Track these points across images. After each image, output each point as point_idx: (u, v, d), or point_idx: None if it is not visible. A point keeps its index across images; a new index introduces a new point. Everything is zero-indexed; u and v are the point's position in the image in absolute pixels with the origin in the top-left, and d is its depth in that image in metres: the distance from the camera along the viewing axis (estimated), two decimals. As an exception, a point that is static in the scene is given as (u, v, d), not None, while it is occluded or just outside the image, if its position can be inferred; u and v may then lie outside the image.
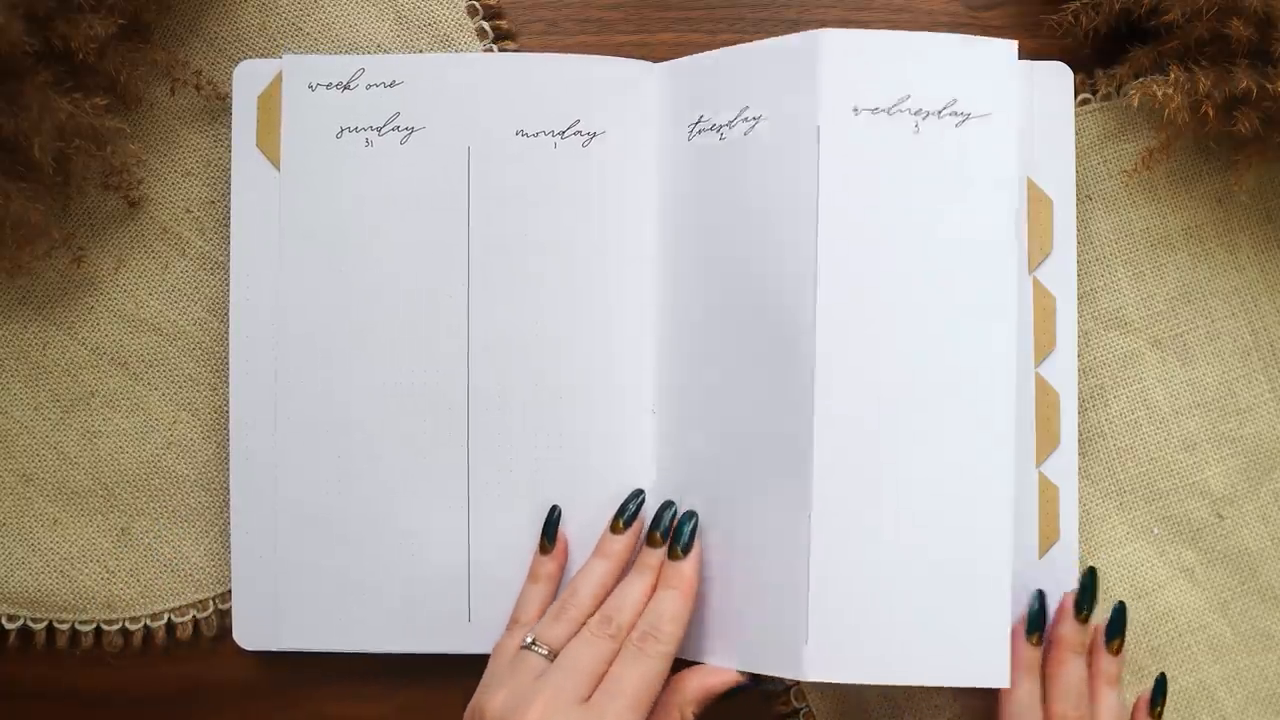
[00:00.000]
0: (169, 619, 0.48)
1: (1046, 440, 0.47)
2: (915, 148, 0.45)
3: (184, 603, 0.48)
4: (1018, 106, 0.45)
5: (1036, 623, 0.46)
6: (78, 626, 0.48)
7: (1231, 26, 0.43)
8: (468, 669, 0.45)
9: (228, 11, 0.49)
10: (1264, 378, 0.49)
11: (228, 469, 0.48)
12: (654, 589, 0.45)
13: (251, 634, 0.47)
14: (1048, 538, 0.47)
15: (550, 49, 0.50)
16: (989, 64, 0.45)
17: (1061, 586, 0.47)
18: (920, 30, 0.49)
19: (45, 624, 0.48)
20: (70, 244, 0.48)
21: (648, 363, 0.47)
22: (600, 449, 0.47)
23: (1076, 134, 0.48)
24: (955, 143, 0.44)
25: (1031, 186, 0.47)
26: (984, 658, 0.44)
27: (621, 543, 0.46)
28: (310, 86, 0.47)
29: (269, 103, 0.47)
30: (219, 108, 0.49)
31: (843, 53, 0.45)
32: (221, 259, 0.49)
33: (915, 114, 0.45)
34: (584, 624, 0.44)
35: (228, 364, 0.48)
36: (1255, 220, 0.49)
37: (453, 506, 0.47)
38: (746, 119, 0.46)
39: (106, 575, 0.48)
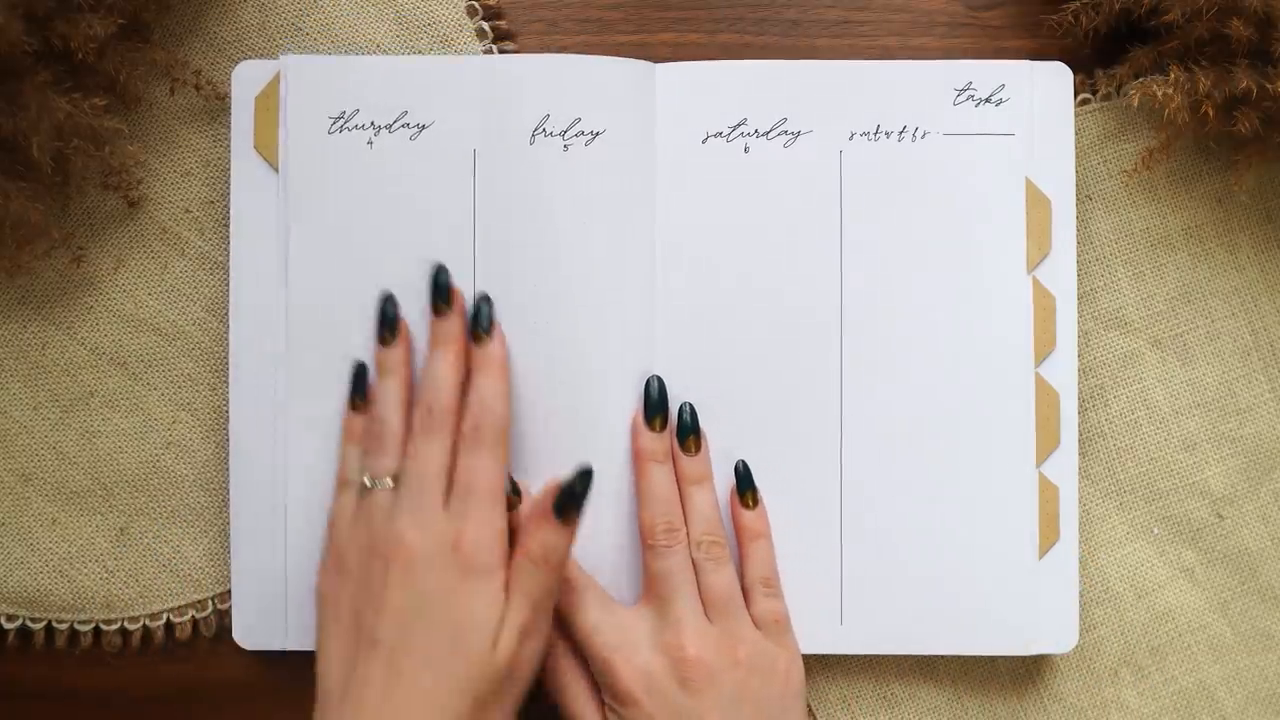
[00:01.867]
0: (168, 619, 0.48)
1: (1046, 440, 0.47)
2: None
3: (183, 603, 0.48)
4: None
5: (652, 411, 0.46)
6: (76, 626, 0.48)
7: (1231, 26, 0.43)
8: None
9: (227, 11, 0.49)
10: (1264, 378, 0.49)
11: (227, 469, 0.48)
12: (459, 362, 0.44)
13: (251, 634, 0.47)
14: (1048, 538, 0.47)
15: (550, 49, 0.50)
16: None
17: (1062, 587, 0.47)
18: (921, 29, 0.50)
19: (44, 624, 0.48)
20: (69, 244, 0.48)
21: (653, 363, 0.47)
22: (601, 447, 0.47)
23: (1076, 134, 0.48)
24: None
25: (1030, 186, 0.47)
26: (1012, 627, 0.46)
27: (396, 353, 0.45)
28: (309, 87, 0.47)
29: (266, 103, 0.47)
30: (218, 108, 0.49)
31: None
32: (221, 259, 0.49)
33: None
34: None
35: (227, 364, 0.48)
36: (1255, 220, 0.49)
37: (452, 506, 0.47)
38: (787, 132, 0.47)
39: (105, 575, 0.48)
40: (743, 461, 0.46)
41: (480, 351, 0.44)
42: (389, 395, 0.44)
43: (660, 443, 0.46)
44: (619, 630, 0.44)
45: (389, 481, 0.43)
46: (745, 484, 0.46)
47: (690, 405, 0.46)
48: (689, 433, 0.46)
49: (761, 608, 0.45)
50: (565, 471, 0.42)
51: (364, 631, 0.41)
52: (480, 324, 0.44)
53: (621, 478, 0.46)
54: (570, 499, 0.41)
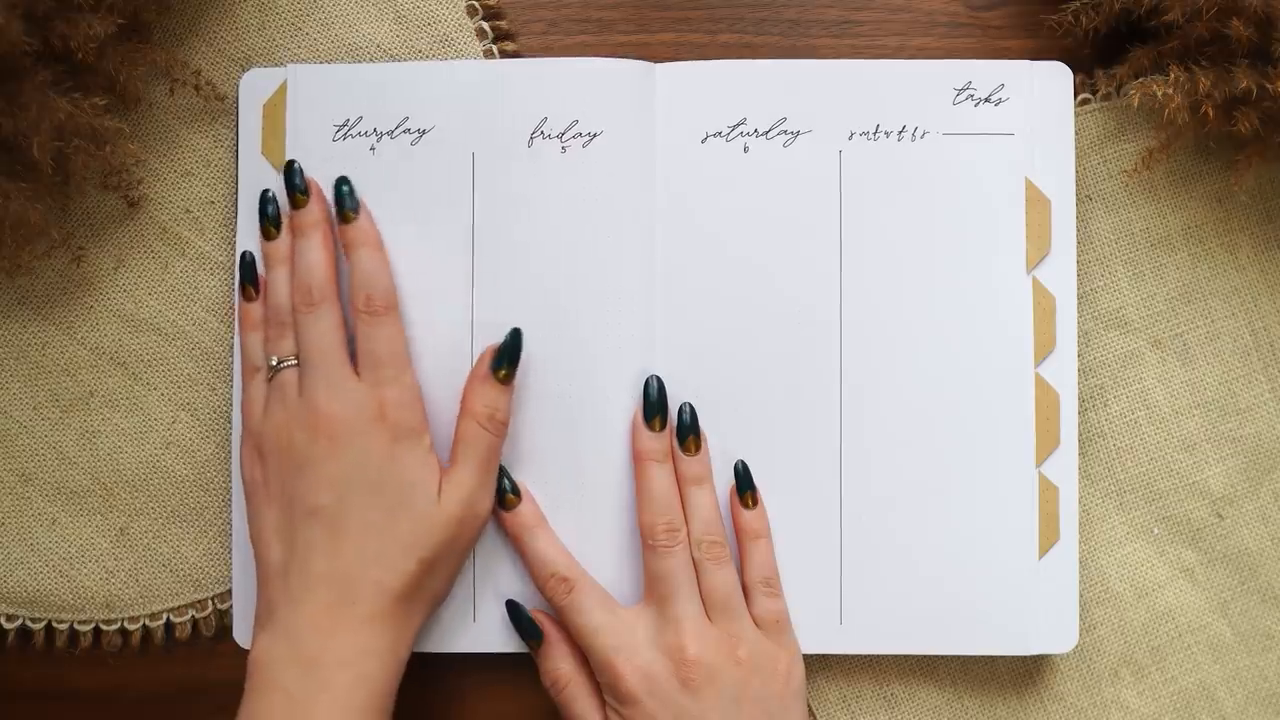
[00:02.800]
0: (168, 619, 0.48)
1: (1046, 440, 0.47)
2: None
3: (183, 602, 0.48)
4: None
5: (651, 411, 0.46)
6: (76, 626, 0.48)
7: (1231, 26, 0.43)
8: (472, 668, 0.45)
9: (227, 11, 0.49)
10: (1264, 378, 0.49)
11: (227, 469, 0.48)
12: (327, 242, 0.45)
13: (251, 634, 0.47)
14: (1047, 538, 0.47)
15: (550, 49, 0.50)
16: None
17: (1061, 587, 0.47)
18: (921, 29, 0.50)
19: (44, 624, 0.48)
20: (69, 244, 0.48)
21: (653, 363, 0.47)
22: (601, 447, 0.47)
23: (1076, 134, 0.48)
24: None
25: (1030, 186, 0.47)
26: (1012, 627, 0.46)
27: (283, 246, 0.46)
28: (314, 95, 0.47)
29: (274, 111, 0.47)
30: (218, 108, 0.49)
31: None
32: (221, 259, 0.49)
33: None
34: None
35: (227, 364, 0.48)
36: (1255, 220, 0.49)
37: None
38: (786, 132, 0.47)
39: (105, 575, 0.48)
40: (742, 462, 0.46)
41: (351, 229, 0.46)
42: (279, 282, 0.46)
43: (659, 442, 0.46)
44: (620, 631, 0.44)
45: (292, 360, 0.44)
46: (745, 484, 0.46)
47: (690, 405, 0.46)
48: (688, 433, 0.46)
49: (762, 607, 0.45)
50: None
51: (298, 503, 0.42)
52: (346, 203, 0.46)
53: (621, 477, 0.46)
54: (504, 355, 0.45)
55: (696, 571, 0.45)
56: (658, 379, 0.46)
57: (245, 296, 0.47)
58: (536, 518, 0.46)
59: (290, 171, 0.46)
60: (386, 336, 0.44)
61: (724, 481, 0.47)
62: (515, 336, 0.45)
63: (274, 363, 0.44)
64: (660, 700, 0.42)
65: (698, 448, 0.46)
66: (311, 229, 0.46)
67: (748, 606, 0.45)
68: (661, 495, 0.45)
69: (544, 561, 0.45)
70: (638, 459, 0.46)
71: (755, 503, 0.46)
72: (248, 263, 0.47)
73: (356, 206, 0.46)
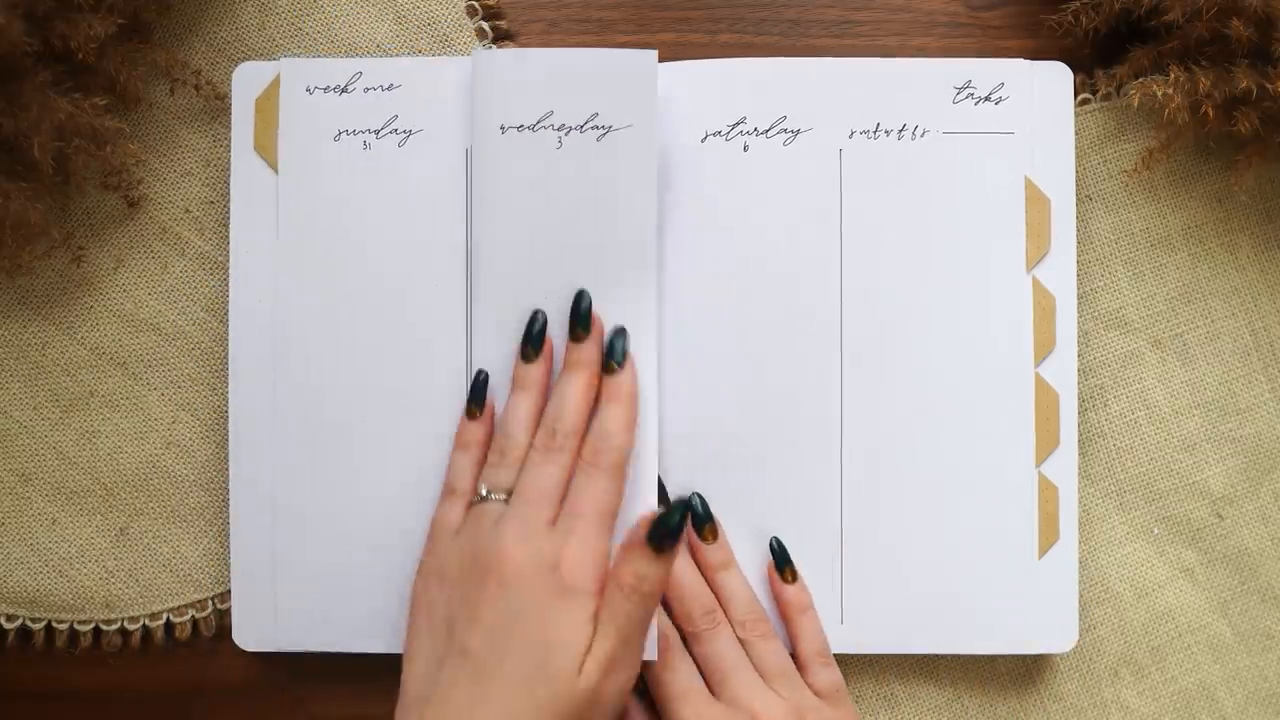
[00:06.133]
0: (168, 619, 0.48)
1: (1046, 440, 0.47)
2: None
3: (183, 602, 0.48)
4: (655, 115, 0.46)
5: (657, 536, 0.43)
6: (76, 626, 0.48)
7: (1231, 26, 0.43)
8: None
9: (227, 11, 0.49)
10: (1264, 378, 0.49)
11: (227, 469, 0.48)
12: (590, 388, 0.44)
13: (251, 634, 0.47)
14: (1047, 538, 0.47)
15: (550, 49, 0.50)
16: (629, 76, 0.46)
17: (1061, 587, 0.47)
18: (921, 29, 0.50)
19: (44, 624, 0.48)
20: (70, 244, 0.48)
21: (662, 358, 0.47)
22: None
23: (1076, 134, 0.48)
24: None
25: (1030, 186, 0.47)
26: (1012, 627, 0.46)
27: (538, 369, 0.45)
28: (308, 90, 0.47)
29: (266, 105, 0.47)
30: (218, 108, 0.49)
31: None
32: (221, 259, 0.49)
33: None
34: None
35: (227, 364, 0.48)
36: (1255, 220, 0.49)
37: (452, 506, 0.47)
38: (786, 131, 0.47)
39: (105, 575, 0.48)
40: (777, 539, 0.47)
41: (611, 381, 0.44)
42: (520, 411, 0.44)
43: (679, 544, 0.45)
44: (702, 704, 0.44)
45: (503, 496, 0.43)
46: (782, 560, 0.46)
47: (700, 496, 0.47)
48: (704, 522, 0.46)
49: (821, 679, 0.45)
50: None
51: (455, 639, 0.41)
52: (614, 355, 0.45)
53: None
54: (665, 529, 0.39)
55: (746, 650, 0.45)
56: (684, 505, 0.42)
57: (468, 414, 0.46)
58: (729, 554, 0.46)
59: (578, 303, 0.45)
60: (597, 492, 0.42)
61: (720, 501, 0.47)
62: (681, 510, 0.39)
63: (484, 493, 0.43)
64: None
65: (715, 534, 0.46)
66: (582, 368, 0.44)
67: (805, 679, 0.45)
68: (691, 583, 0.45)
69: (698, 595, 0.45)
70: None
71: (795, 577, 0.46)
72: (480, 382, 0.46)
73: (624, 360, 0.45)
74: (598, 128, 0.46)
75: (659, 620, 0.45)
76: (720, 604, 0.46)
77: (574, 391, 0.44)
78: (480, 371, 0.46)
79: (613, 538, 0.42)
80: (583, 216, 0.46)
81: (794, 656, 0.46)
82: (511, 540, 0.41)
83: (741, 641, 0.45)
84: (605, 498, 0.42)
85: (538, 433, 0.44)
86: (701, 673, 0.45)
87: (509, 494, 0.43)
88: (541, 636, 0.40)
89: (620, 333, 0.45)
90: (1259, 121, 0.45)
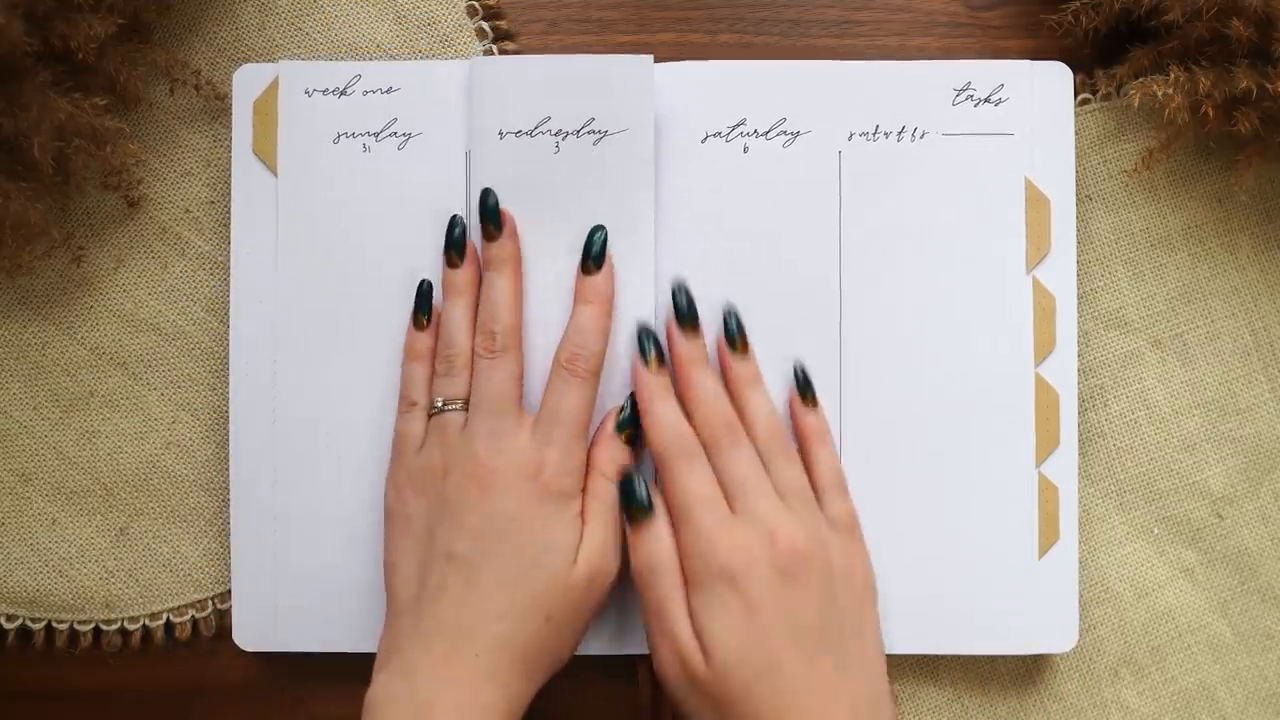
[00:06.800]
0: (168, 619, 0.48)
1: (1046, 440, 0.47)
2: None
3: (183, 602, 0.48)
4: (651, 120, 0.46)
5: (645, 349, 0.44)
6: (76, 626, 0.48)
7: (1231, 26, 0.43)
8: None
9: (227, 12, 0.49)
10: (1264, 378, 0.49)
11: (227, 469, 0.48)
12: (515, 283, 0.44)
13: (251, 634, 0.47)
14: (1047, 538, 0.47)
15: (550, 49, 0.50)
16: (625, 81, 0.46)
17: (1061, 587, 0.47)
18: (921, 29, 0.50)
19: (44, 624, 0.48)
20: (70, 244, 0.48)
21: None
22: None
23: (1076, 134, 0.48)
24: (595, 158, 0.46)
25: (1030, 186, 0.47)
26: (1012, 627, 0.46)
27: (464, 274, 0.45)
28: (307, 92, 0.47)
29: (265, 108, 0.47)
30: (218, 108, 0.49)
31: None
32: (221, 259, 0.49)
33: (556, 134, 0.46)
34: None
35: (227, 364, 0.48)
36: (1255, 220, 0.49)
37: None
38: (786, 132, 0.47)
39: (105, 575, 0.48)
40: (800, 364, 0.46)
41: (588, 282, 0.45)
42: (456, 317, 0.45)
43: (697, 348, 0.45)
44: (721, 509, 0.42)
45: (458, 404, 0.43)
46: (806, 387, 0.46)
47: (734, 310, 0.46)
48: (736, 335, 0.45)
49: (836, 508, 0.44)
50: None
51: (438, 545, 0.42)
52: (591, 254, 0.45)
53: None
54: (627, 420, 0.44)
55: (767, 470, 0.44)
56: (685, 287, 0.45)
57: (415, 324, 0.46)
58: (665, 386, 0.44)
59: (485, 198, 0.45)
60: (575, 399, 0.43)
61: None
62: (632, 404, 0.44)
63: (439, 404, 0.44)
64: (756, 581, 0.40)
65: (747, 349, 0.46)
66: (502, 264, 0.45)
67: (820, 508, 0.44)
68: (715, 396, 0.44)
69: (669, 425, 0.43)
70: (675, 365, 0.44)
71: (816, 403, 0.46)
72: (424, 291, 0.46)
73: (601, 259, 0.45)
74: (594, 132, 0.46)
75: (681, 427, 0.43)
76: (743, 422, 0.44)
77: (501, 290, 0.44)
78: (423, 281, 0.46)
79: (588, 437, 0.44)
80: (580, 220, 0.46)
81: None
82: (484, 450, 0.42)
83: (763, 461, 0.44)
84: (581, 404, 0.43)
85: (476, 337, 0.44)
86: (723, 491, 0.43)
87: (464, 401, 0.44)
88: (532, 538, 0.41)
89: (599, 229, 0.45)
90: (1259, 121, 0.45)
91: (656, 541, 0.42)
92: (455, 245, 0.45)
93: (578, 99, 0.46)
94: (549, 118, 0.46)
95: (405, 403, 0.45)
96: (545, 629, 0.41)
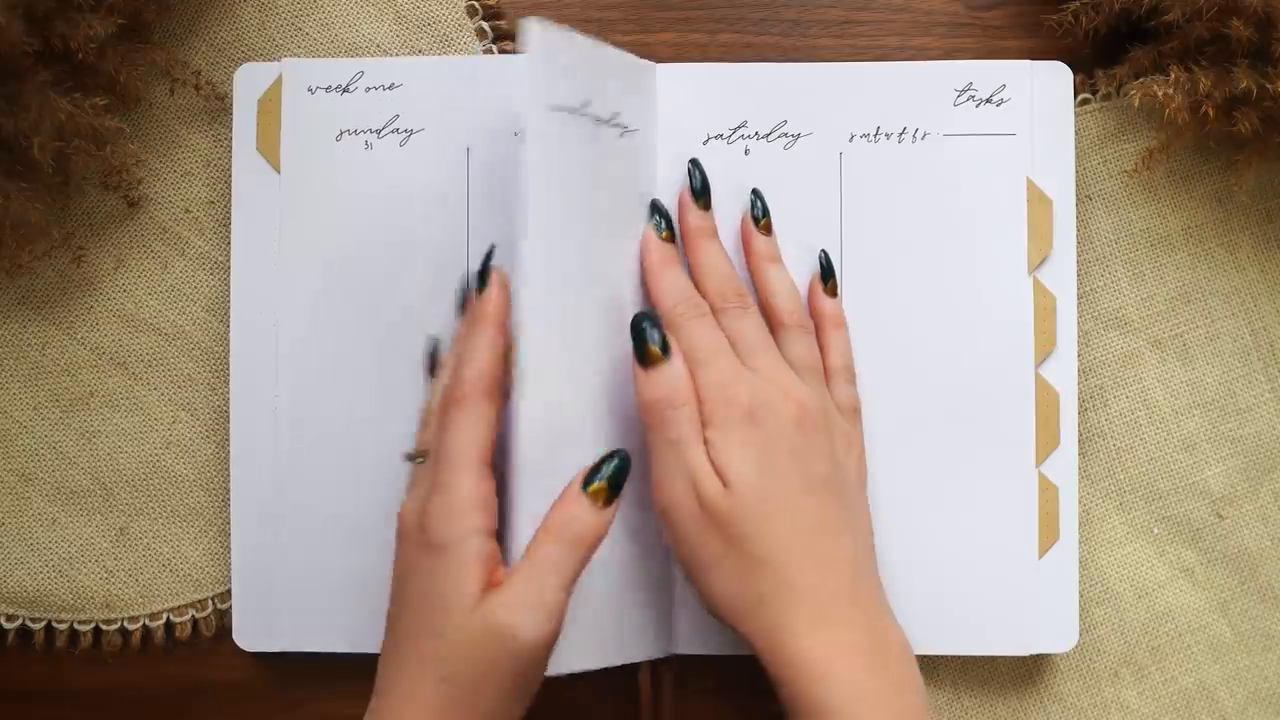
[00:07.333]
0: (168, 619, 0.48)
1: (1046, 440, 0.47)
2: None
3: (183, 602, 0.48)
4: (656, 122, 0.46)
5: (657, 223, 0.45)
6: (76, 626, 0.48)
7: (1231, 26, 0.43)
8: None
9: (227, 11, 0.49)
10: (1264, 378, 0.49)
11: (227, 469, 0.48)
12: (495, 346, 0.40)
13: (251, 634, 0.47)
14: (1047, 538, 0.47)
15: (550, 49, 0.50)
16: (635, 80, 0.46)
17: (1061, 587, 0.47)
18: (921, 30, 0.50)
19: (44, 624, 0.48)
20: (70, 244, 0.48)
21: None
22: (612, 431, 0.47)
23: (1076, 134, 0.48)
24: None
25: (1031, 186, 0.47)
26: (1012, 627, 0.46)
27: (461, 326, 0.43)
28: (309, 90, 0.47)
29: (268, 106, 0.47)
30: (219, 108, 0.49)
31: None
32: (221, 259, 0.49)
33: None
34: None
35: (227, 364, 0.48)
36: (1255, 220, 0.49)
37: (452, 506, 0.47)
38: (787, 134, 0.47)
39: (105, 575, 0.48)
40: (825, 251, 0.47)
41: (476, 303, 0.41)
42: (439, 380, 0.43)
43: (708, 220, 0.45)
44: (736, 360, 0.42)
45: (422, 458, 0.42)
46: (828, 272, 0.46)
47: (759, 192, 0.46)
48: (765, 213, 0.46)
49: (843, 393, 0.45)
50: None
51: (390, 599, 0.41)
52: (478, 272, 0.42)
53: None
54: (595, 473, 0.39)
55: (779, 342, 0.44)
56: (698, 164, 0.46)
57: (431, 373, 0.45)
58: (673, 254, 0.44)
59: (487, 259, 0.42)
60: (456, 429, 0.39)
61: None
62: (613, 458, 0.40)
63: (409, 454, 0.42)
64: (773, 424, 0.40)
65: (769, 230, 0.46)
66: (482, 322, 0.41)
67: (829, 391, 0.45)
68: (721, 265, 0.44)
69: (679, 287, 0.43)
70: (688, 235, 0.44)
71: (836, 292, 0.46)
72: (434, 348, 0.45)
73: (482, 281, 0.41)
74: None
75: (689, 290, 0.43)
76: (762, 296, 0.44)
77: (471, 346, 0.41)
78: (431, 338, 0.45)
79: (487, 474, 0.39)
80: (610, 209, 0.45)
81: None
82: (405, 501, 0.41)
83: (778, 334, 0.44)
84: (468, 434, 0.38)
85: (446, 392, 0.42)
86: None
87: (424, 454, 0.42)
88: (420, 594, 0.38)
89: (487, 255, 0.42)
90: (1259, 121, 0.45)
91: (676, 378, 0.41)
92: (459, 304, 0.44)
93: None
94: (590, 101, 0.43)
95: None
96: (446, 691, 0.37)
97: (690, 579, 0.41)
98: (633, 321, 0.42)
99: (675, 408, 0.41)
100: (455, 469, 0.38)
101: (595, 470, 0.39)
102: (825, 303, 0.46)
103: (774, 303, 0.44)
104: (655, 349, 0.41)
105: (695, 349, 0.42)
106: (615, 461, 0.40)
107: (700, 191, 0.45)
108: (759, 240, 0.46)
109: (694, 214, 0.45)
